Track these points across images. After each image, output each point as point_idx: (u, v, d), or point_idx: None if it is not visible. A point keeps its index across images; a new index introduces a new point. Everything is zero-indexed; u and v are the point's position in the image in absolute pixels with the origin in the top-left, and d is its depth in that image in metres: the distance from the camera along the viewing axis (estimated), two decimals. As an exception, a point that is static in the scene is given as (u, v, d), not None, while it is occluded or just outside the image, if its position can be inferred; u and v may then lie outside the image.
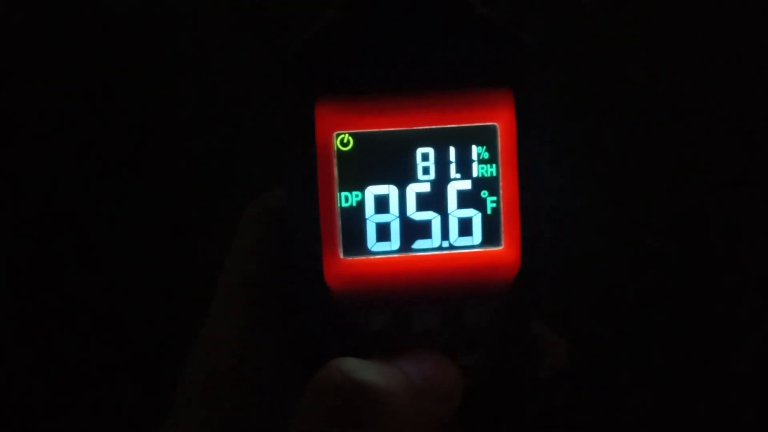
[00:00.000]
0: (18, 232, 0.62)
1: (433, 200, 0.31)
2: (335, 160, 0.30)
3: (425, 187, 0.31)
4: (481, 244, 0.31)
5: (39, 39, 0.62)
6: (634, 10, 0.65)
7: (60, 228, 0.62)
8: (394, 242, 0.31)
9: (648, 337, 0.61)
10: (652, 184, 0.62)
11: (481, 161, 0.31)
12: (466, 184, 0.31)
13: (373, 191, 0.31)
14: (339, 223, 0.30)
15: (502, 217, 0.31)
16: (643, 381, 0.61)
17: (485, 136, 0.31)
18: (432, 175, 0.31)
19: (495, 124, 0.30)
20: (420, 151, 0.31)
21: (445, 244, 0.31)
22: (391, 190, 0.31)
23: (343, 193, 0.30)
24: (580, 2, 0.65)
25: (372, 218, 0.31)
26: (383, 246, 0.31)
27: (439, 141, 0.31)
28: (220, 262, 0.33)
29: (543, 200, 0.31)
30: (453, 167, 0.31)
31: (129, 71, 0.62)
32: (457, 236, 0.31)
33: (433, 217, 0.31)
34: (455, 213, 0.31)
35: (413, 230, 0.31)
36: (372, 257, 0.31)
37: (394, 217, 0.31)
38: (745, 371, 0.61)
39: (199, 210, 0.62)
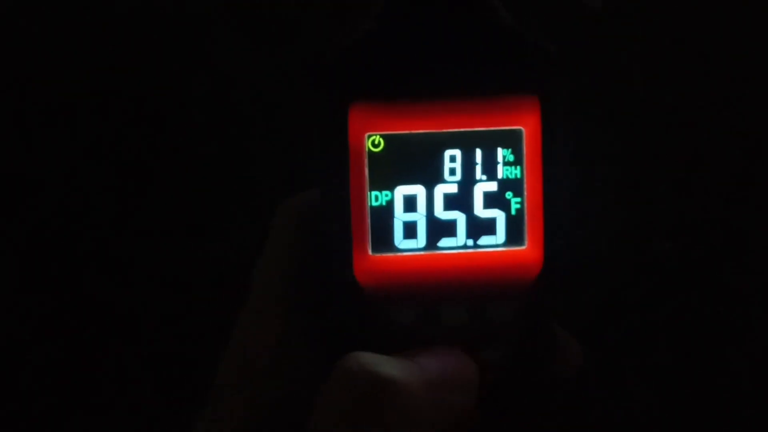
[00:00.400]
0: (36, 233, 0.63)
1: (460, 200, 0.32)
2: (366, 161, 0.31)
3: (452, 188, 0.32)
4: (505, 244, 0.32)
5: (57, 47, 0.63)
6: (639, 13, 0.66)
7: (76, 229, 0.63)
8: (421, 240, 0.32)
9: (653, 337, 0.62)
10: (656, 187, 0.63)
11: (506, 163, 0.32)
12: (492, 186, 0.32)
13: (402, 191, 0.32)
14: (369, 221, 0.32)
15: (525, 217, 0.32)
16: (648, 381, 0.62)
17: (511, 140, 0.32)
18: (459, 177, 0.32)
19: (520, 128, 0.32)
20: (448, 152, 0.32)
21: (470, 243, 0.32)
22: (419, 190, 0.32)
23: (374, 193, 0.32)
24: (584, 6, 0.66)
25: (400, 217, 0.32)
26: (411, 244, 0.32)
27: (467, 143, 0.32)
28: (233, 262, 0.34)
29: (565, 202, 0.32)
30: (479, 169, 0.32)
31: (142, 75, 0.63)
32: (482, 235, 0.32)
33: (459, 217, 0.32)
34: (480, 213, 0.32)
35: (440, 229, 0.32)
36: (400, 254, 0.32)
37: (421, 216, 0.32)
38: (750, 372, 0.62)
39: (212, 211, 0.62)
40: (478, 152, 0.32)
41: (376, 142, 0.32)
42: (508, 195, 0.32)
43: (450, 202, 0.32)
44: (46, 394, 0.62)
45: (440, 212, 0.32)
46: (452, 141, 0.32)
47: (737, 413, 0.62)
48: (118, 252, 0.63)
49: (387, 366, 0.28)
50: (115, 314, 0.62)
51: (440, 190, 0.32)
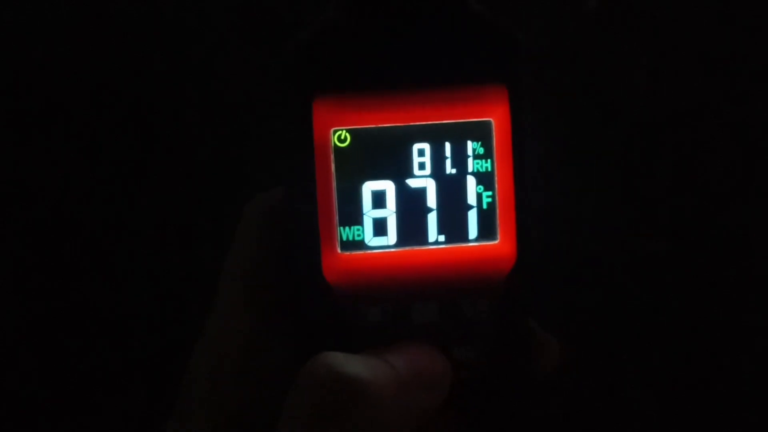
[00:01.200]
0: (26, 236, 0.62)
1: (429, 195, 0.31)
2: (332, 156, 0.31)
3: (421, 183, 0.31)
4: (477, 239, 0.31)
5: (46, 45, 0.63)
6: (638, 13, 0.65)
7: (67, 232, 0.62)
8: (391, 237, 0.31)
9: (650, 339, 0.61)
10: (654, 187, 0.62)
11: (476, 156, 0.31)
12: (462, 180, 0.31)
13: (370, 187, 0.31)
14: (337, 218, 0.31)
15: (497, 211, 0.31)
16: (645, 382, 0.61)
17: (480, 132, 0.31)
18: (428, 171, 0.31)
19: (490, 119, 0.31)
20: (416, 146, 0.31)
21: (442, 238, 0.31)
22: (387, 186, 0.31)
23: (341, 189, 0.31)
24: (583, 5, 0.65)
25: (369, 213, 0.31)
26: (380, 241, 0.31)
27: (435, 137, 0.31)
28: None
29: (537, 195, 0.31)
30: (449, 162, 0.31)
31: (135, 76, 0.63)
32: (453, 231, 0.31)
33: (429, 212, 0.31)
34: (451, 208, 0.31)
35: (410, 225, 0.31)
36: (369, 252, 0.31)
37: (390, 213, 0.31)
38: (748, 373, 0.61)
39: (205, 214, 0.62)
40: (448, 145, 0.31)
41: (342, 137, 0.31)
42: (479, 189, 0.31)
43: (420, 197, 0.31)
44: (36, 397, 0.62)
45: (410, 208, 0.31)
46: (420, 134, 0.31)
47: (735, 415, 0.61)
48: (109, 256, 0.62)
49: (355, 366, 0.27)
50: (106, 318, 0.62)
51: (409, 185, 0.31)
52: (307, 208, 0.31)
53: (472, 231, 0.31)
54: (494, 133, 0.31)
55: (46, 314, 0.62)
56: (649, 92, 0.64)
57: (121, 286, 0.62)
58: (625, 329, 0.61)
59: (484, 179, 0.31)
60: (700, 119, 0.63)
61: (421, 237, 0.31)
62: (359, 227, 0.31)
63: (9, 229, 0.62)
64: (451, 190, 0.31)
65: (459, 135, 0.31)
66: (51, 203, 0.62)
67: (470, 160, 0.31)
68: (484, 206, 0.31)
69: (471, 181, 0.31)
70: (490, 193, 0.31)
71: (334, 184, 0.31)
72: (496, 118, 0.31)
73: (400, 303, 0.31)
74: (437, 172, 0.31)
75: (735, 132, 0.63)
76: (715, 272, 0.62)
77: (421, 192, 0.31)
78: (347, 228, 0.31)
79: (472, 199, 0.31)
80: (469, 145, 0.31)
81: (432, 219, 0.31)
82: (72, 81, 0.63)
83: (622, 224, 0.62)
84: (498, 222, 0.31)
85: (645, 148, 0.63)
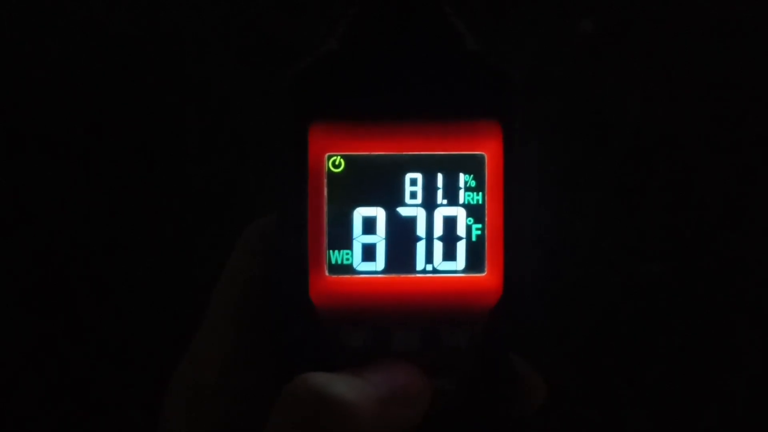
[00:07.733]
0: (25, 256, 0.63)
1: (419, 224, 0.32)
2: (326, 181, 0.31)
3: (412, 212, 0.32)
4: (464, 270, 0.32)
5: (46, 68, 0.64)
6: (632, 37, 0.66)
7: (65, 253, 0.63)
8: (380, 263, 0.32)
9: (645, 361, 0.61)
10: (648, 210, 0.63)
11: (467, 189, 0.32)
12: (452, 211, 0.32)
13: (361, 212, 0.32)
14: (326, 242, 0.31)
15: (486, 244, 0.32)
16: (640, 405, 0.61)
17: (473, 165, 0.32)
18: (419, 200, 0.32)
19: (483, 153, 0.31)
20: (409, 176, 0.32)
21: (429, 267, 0.32)
22: (378, 213, 0.32)
23: (332, 213, 0.31)
24: (577, 29, 0.66)
25: (359, 239, 0.32)
26: (368, 266, 0.32)
27: (428, 167, 0.31)
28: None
29: (527, 230, 0.32)
30: (440, 193, 0.32)
31: (133, 99, 0.64)
32: (441, 261, 0.32)
33: (419, 241, 0.32)
34: (440, 238, 0.32)
35: (398, 252, 0.32)
36: (357, 276, 0.32)
37: (380, 239, 0.32)
38: (743, 395, 0.61)
39: (204, 238, 0.63)
40: (440, 176, 0.32)
41: (337, 162, 0.31)
42: (469, 221, 0.32)
43: (410, 225, 0.32)
44: (33, 416, 0.62)
45: (399, 235, 0.32)
46: (414, 164, 0.32)
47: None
48: (106, 276, 0.63)
49: (337, 386, 0.28)
50: (103, 337, 0.63)
51: (400, 213, 0.32)
52: (298, 229, 0.31)
53: (460, 262, 0.32)
54: (486, 167, 0.31)
55: (44, 335, 0.62)
56: (643, 115, 0.64)
57: (117, 305, 0.63)
58: (620, 351, 0.61)
59: (475, 211, 0.32)
60: (695, 143, 0.63)
61: (408, 265, 0.32)
62: (348, 251, 0.32)
63: (8, 250, 0.63)
64: (440, 221, 0.32)
65: (451, 167, 0.32)
66: (48, 223, 0.63)
67: (461, 192, 0.32)
68: (473, 238, 0.32)
69: (461, 212, 0.32)
70: (479, 225, 0.32)
71: (325, 208, 0.31)
72: (489, 152, 0.31)
73: (383, 328, 0.32)
74: (428, 202, 0.32)
75: (729, 155, 0.64)
76: (710, 294, 0.62)
77: (411, 220, 0.32)
78: (336, 251, 0.32)
79: (461, 230, 0.32)
80: (461, 177, 0.32)
81: (420, 248, 0.32)
82: (69, 103, 0.63)
83: (615, 248, 0.62)
84: (486, 255, 0.32)
85: (638, 172, 0.63)
